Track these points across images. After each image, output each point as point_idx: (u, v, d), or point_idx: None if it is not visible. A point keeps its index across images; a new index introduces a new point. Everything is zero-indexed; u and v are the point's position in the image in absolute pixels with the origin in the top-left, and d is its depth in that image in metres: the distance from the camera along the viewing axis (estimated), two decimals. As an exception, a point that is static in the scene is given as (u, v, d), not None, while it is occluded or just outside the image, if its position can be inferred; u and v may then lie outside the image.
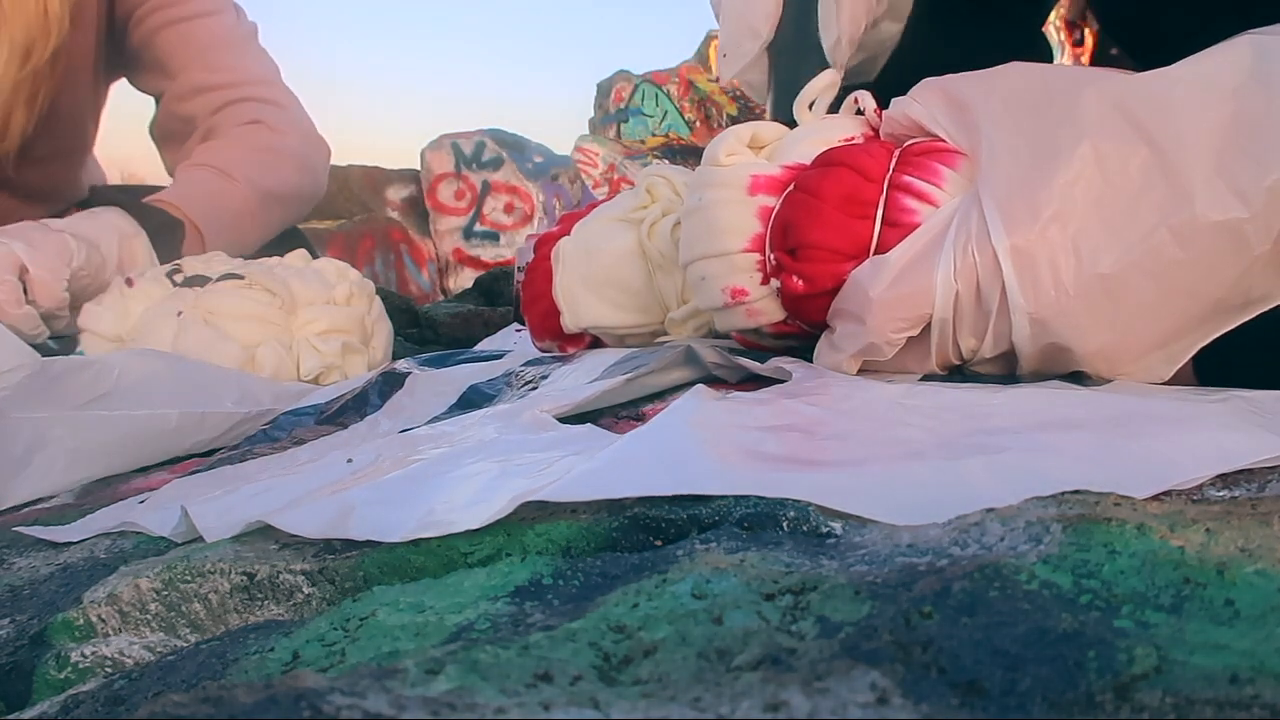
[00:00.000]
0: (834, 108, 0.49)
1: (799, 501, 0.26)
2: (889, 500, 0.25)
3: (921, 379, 0.41)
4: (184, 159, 1.07)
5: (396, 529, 0.28)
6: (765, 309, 0.45)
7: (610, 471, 0.29)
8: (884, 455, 0.29)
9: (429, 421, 0.50)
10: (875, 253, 0.41)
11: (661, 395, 0.47)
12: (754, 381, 0.45)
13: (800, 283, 0.42)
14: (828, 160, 0.43)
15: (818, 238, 0.41)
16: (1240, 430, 0.29)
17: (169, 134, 1.12)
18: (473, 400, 0.53)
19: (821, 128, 0.47)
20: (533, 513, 0.29)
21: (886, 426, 0.33)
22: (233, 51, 1.10)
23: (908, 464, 0.28)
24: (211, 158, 1.04)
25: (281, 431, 0.57)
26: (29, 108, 0.97)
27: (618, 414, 0.44)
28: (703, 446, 0.31)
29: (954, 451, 0.29)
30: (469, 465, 0.34)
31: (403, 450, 0.39)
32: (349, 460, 0.40)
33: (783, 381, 0.42)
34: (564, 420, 0.42)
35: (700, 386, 0.40)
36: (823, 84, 0.48)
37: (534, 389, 0.50)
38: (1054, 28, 4.80)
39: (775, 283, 0.44)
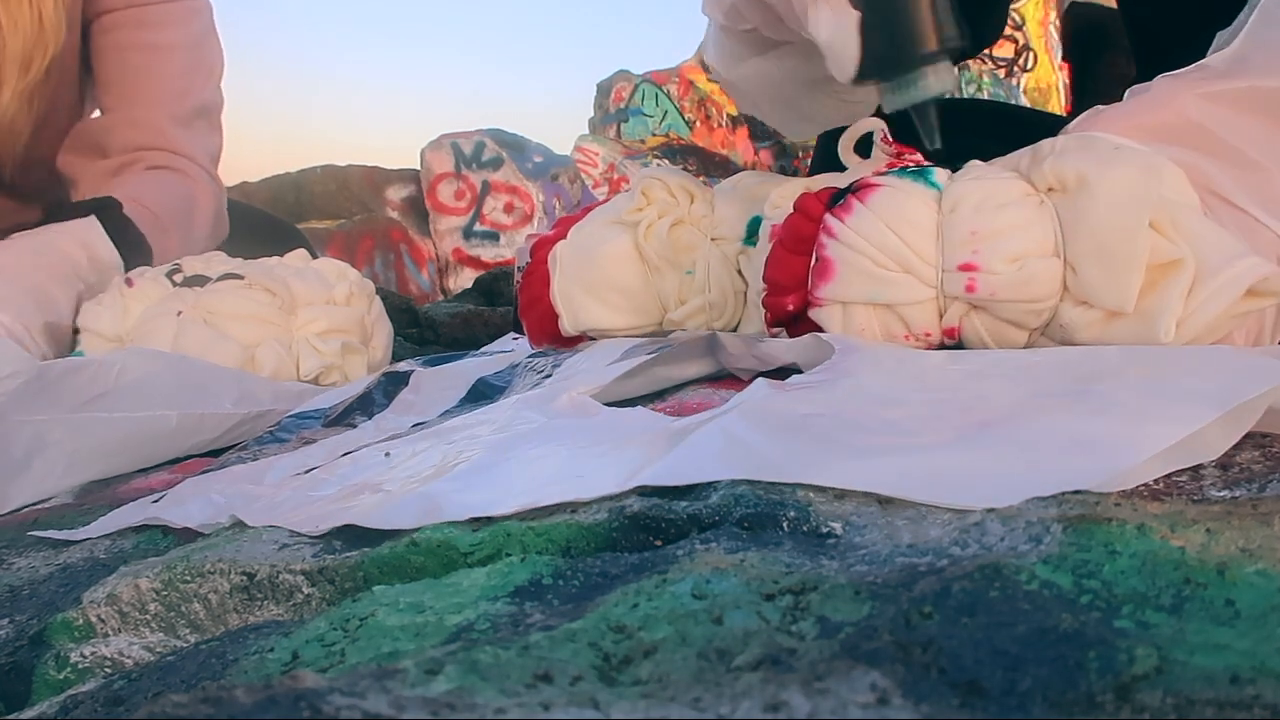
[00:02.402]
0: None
1: (799, 501, 0.26)
2: (983, 478, 0.25)
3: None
4: (92, 176, 1.00)
5: (497, 506, 0.29)
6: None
7: (701, 458, 0.29)
8: (959, 427, 0.29)
9: (441, 415, 0.50)
10: (810, 284, 0.43)
11: (662, 395, 0.47)
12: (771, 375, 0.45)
13: (769, 314, 0.46)
14: (794, 205, 0.45)
15: (769, 275, 0.45)
16: (1270, 362, 0.29)
17: (84, 144, 1.04)
18: (483, 393, 0.53)
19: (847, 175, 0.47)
20: (533, 512, 0.29)
21: (954, 394, 0.33)
22: (183, 122, 1.04)
23: (984, 433, 0.28)
24: (148, 197, 0.96)
25: (288, 434, 0.57)
26: (29, 115, 0.96)
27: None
28: (786, 438, 0.31)
29: (1028, 413, 0.29)
30: (534, 449, 0.35)
31: (449, 442, 0.39)
32: (386, 454, 0.40)
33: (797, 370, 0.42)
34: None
35: (761, 379, 0.40)
36: (864, 128, 0.47)
37: (547, 377, 0.50)
38: (1053, 27, 4.80)
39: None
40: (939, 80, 0.43)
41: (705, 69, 5.58)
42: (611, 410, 0.40)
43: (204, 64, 1.08)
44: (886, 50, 0.42)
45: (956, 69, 0.45)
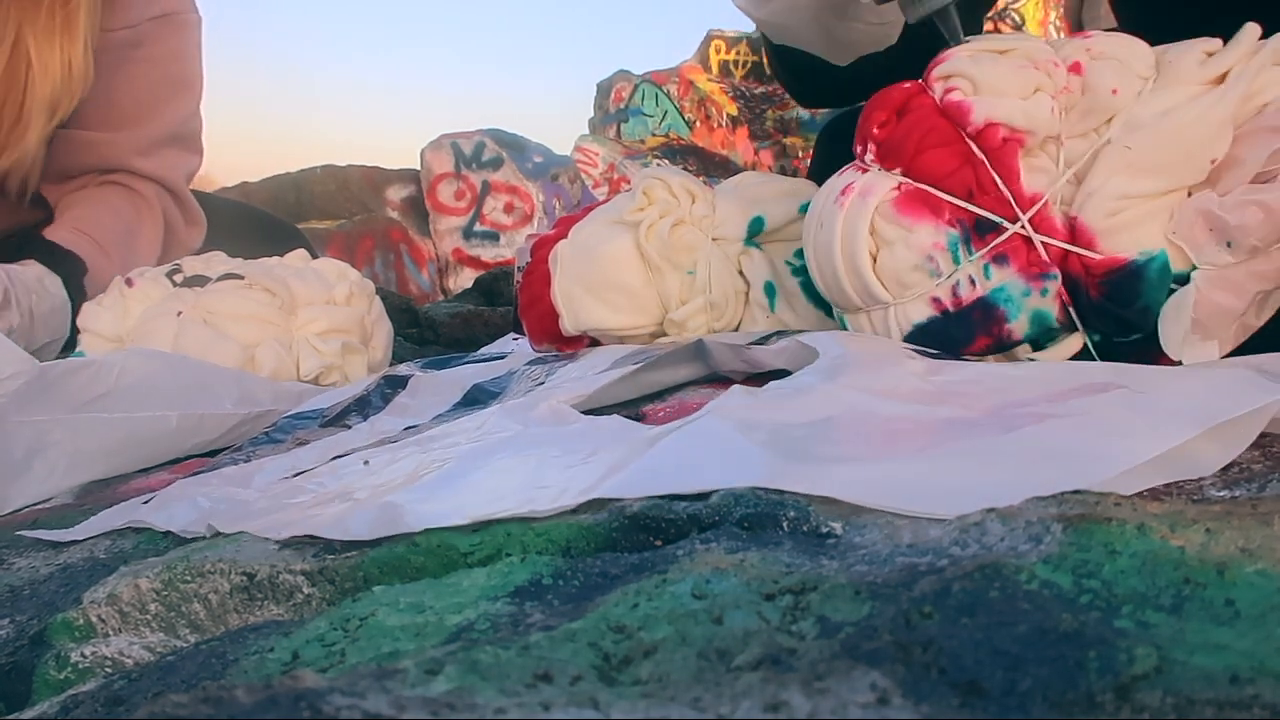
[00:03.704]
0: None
1: (799, 501, 0.26)
2: (951, 489, 0.25)
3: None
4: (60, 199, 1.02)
5: (452, 517, 0.28)
6: None
7: (669, 469, 0.29)
8: (932, 437, 0.29)
9: (434, 419, 0.50)
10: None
11: (662, 395, 0.47)
12: (760, 378, 0.45)
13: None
14: None
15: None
16: (1254, 378, 0.30)
17: (52, 169, 1.03)
18: (477, 399, 0.53)
19: None
20: (546, 514, 0.29)
21: (926, 406, 0.33)
22: (145, 150, 1.04)
23: (958, 444, 0.28)
24: (89, 222, 0.98)
25: (284, 434, 0.57)
26: (44, 151, 0.98)
27: (618, 414, 0.44)
28: (756, 445, 0.31)
29: (1005, 424, 0.29)
30: (503, 459, 0.35)
31: (424, 451, 0.39)
32: (365, 463, 0.40)
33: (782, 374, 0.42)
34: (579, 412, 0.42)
35: (737, 386, 0.40)
36: None
37: (541, 385, 0.50)
38: (1054, 28, 4.81)
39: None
40: None
41: (705, 69, 5.59)
42: (588, 419, 0.40)
43: (180, 85, 1.07)
44: None
45: None
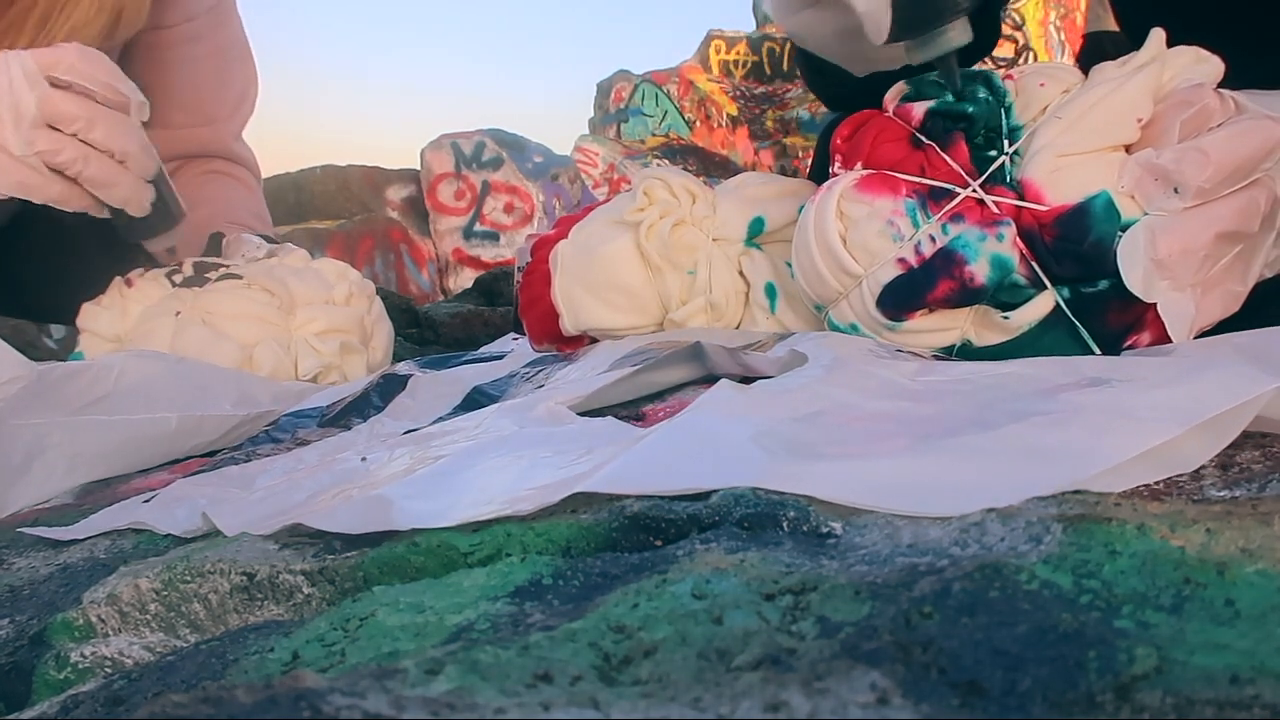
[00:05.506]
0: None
1: (799, 501, 0.26)
2: (937, 487, 0.25)
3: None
4: None
5: (441, 518, 0.28)
6: None
7: (653, 464, 0.29)
8: (918, 435, 0.29)
9: (433, 422, 0.50)
10: None
11: (662, 395, 0.47)
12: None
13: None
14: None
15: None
16: (1242, 369, 0.30)
17: None
18: (478, 402, 0.53)
19: None
20: (533, 512, 0.29)
21: (914, 403, 0.33)
22: (237, 134, 1.05)
23: (944, 441, 0.28)
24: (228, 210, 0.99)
25: (284, 433, 0.57)
26: None
27: (618, 413, 0.44)
28: (742, 440, 0.31)
29: (993, 421, 0.29)
30: (496, 458, 0.35)
31: (421, 448, 0.39)
32: (363, 459, 0.40)
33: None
34: (577, 414, 0.42)
35: (725, 380, 0.40)
36: None
37: (541, 388, 0.50)
38: (1054, 27, 4.81)
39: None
40: (959, 34, 0.47)
41: (705, 69, 5.59)
42: (583, 420, 0.40)
43: (246, 67, 1.09)
44: (915, 14, 0.47)
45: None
